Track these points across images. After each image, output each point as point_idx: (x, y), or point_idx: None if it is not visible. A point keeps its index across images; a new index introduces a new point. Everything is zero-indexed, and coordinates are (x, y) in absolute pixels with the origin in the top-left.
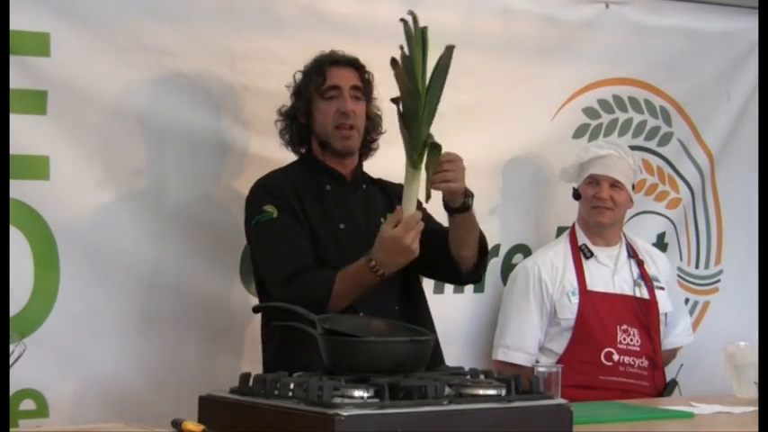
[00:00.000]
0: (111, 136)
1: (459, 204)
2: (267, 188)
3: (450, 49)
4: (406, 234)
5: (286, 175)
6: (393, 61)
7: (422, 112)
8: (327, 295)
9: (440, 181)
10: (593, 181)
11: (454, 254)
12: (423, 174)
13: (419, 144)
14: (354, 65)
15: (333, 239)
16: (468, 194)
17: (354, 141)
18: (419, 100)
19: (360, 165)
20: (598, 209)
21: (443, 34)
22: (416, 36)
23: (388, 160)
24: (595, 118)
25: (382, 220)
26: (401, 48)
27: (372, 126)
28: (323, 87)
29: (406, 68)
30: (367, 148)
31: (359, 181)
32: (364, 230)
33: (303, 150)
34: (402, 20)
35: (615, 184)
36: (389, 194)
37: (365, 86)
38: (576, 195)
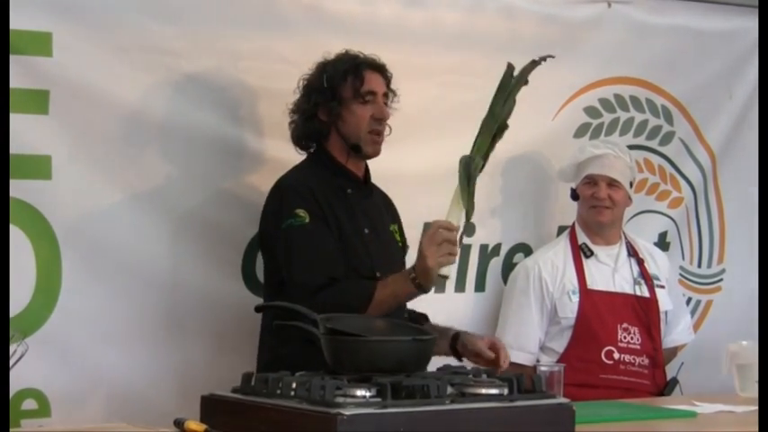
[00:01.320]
0: (114, 136)
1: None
2: (298, 189)
3: (534, 63)
4: (428, 248)
5: (310, 175)
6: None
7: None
8: (367, 303)
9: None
10: (591, 181)
11: None
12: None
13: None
14: (385, 72)
15: (362, 245)
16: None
17: (381, 147)
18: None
19: (367, 168)
20: (597, 208)
21: (445, 33)
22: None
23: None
24: (597, 117)
25: (392, 228)
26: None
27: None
28: (361, 90)
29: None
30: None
31: (370, 185)
32: (383, 235)
33: (312, 149)
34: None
35: (613, 183)
36: (386, 202)
37: (391, 93)
38: (574, 196)
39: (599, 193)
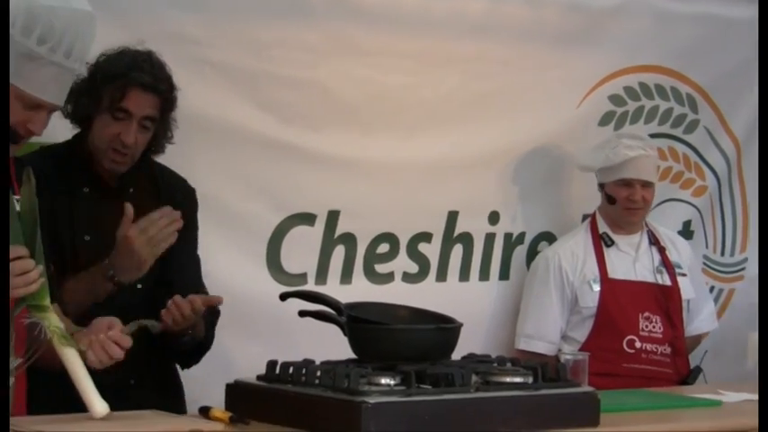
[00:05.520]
0: None
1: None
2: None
3: None
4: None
5: (44, 162)
6: None
7: None
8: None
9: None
10: (626, 183)
11: None
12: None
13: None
14: (158, 89)
15: (73, 251)
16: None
17: (125, 167)
18: None
19: (139, 164)
20: (630, 210)
21: (468, 22)
22: None
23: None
24: (621, 105)
25: None
26: None
27: (158, 146)
28: (115, 106)
29: None
30: (153, 152)
31: (127, 184)
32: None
33: (81, 129)
34: None
35: (646, 185)
36: (162, 201)
37: (163, 114)
38: (611, 200)
39: (634, 195)
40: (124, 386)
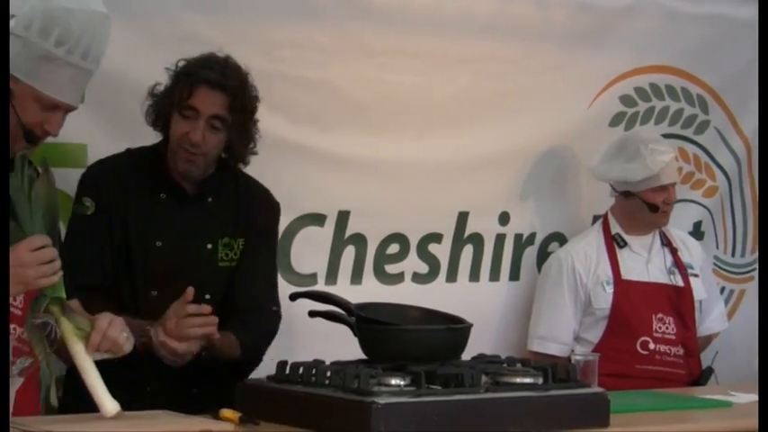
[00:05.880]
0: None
1: None
2: (94, 177)
3: None
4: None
5: (128, 166)
6: None
7: None
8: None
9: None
10: (663, 187)
11: None
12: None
13: None
14: (225, 87)
15: (143, 256)
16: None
17: (198, 167)
18: None
19: (218, 174)
20: (666, 212)
21: (479, 22)
22: None
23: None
24: (632, 106)
25: (209, 246)
26: None
27: (236, 152)
28: (183, 104)
29: None
30: (234, 160)
31: (206, 193)
32: (185, 252)
33: (162, 135)
34: None
35: (674, 184)
36: (241, 212)
37: (234, 114)
38: (653, 207)
39: (671, 198)
40: (187, 395)
